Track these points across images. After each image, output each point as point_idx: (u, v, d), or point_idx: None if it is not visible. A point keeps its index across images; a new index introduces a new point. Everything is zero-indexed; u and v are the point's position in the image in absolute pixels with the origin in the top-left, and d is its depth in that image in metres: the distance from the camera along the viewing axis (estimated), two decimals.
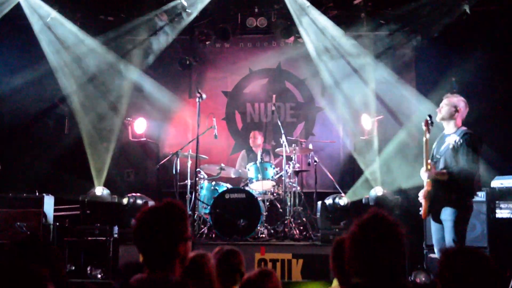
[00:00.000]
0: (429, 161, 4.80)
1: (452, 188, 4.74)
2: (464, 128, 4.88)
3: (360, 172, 8.61)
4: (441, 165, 4.89)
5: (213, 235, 7.17)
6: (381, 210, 2.50)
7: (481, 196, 6.26)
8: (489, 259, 2.33)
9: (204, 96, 6.86)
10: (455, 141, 4.80)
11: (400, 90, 8.88)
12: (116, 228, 6.97)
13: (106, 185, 8.07)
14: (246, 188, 7.60)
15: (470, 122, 5.44)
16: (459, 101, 4.94)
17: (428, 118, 4.78)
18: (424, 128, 4.77)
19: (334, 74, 9.14)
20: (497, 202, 6.33)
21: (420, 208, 4.97)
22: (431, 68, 8.67)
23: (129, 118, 8.79)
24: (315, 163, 8.06)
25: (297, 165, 7.92)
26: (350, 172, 9.08)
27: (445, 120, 4.95)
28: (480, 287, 2.25)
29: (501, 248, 6.09)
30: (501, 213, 6.28)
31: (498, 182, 6.42)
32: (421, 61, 9.03)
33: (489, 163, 6.67)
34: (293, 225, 7.36)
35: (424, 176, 4.76)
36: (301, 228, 7.55)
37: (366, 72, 8.98)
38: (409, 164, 7.77)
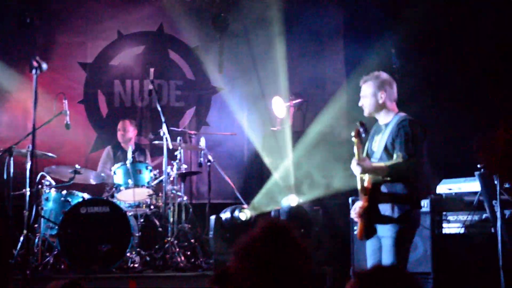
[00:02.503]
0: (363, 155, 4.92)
1: (391, 194, 4.88)
2: (401, 114, 5.06)
3: (270, 175, 8.73)
4: None
5: (62, 266, 7.00)
6: (280, 221, 2.53)
7: (424, 205, 6.53)
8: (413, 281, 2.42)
9: (44, 66, 6.61)
10: (390, 138, 4.95)
11: (324, 65, 9.08)
12: None
13: None
14: (111, 199, 7.52)
15: (413, 109, 5.63)
16: (379, 82, 5.07)
17: (359, 127, 4.88)
18: (354, 140, 4.88)
19: (237, 41, 9.19)
20: (444, 213, 6.61)
21: (355, 227, 5.07)
22: (365, 36, 8.92)
23: None
24: (208, 164, 8.09)
25: (184, 166, 7.93)
26: (257, 176, 9.19)
27: (374, 113, 5.13)
28: None
29: (449, 274, 6.38)
30: (448, 228, 6.57)
31: (445, 187, 6.70)
32: (351, 26, 9.28)
33: (434, 162, 6.98)
34: (177, 249, 7.36)
35: (356, 170, 4.87)
36: (188, 253, 7.57)
37: (279, 40, 9.11)
38: (335, 164, 7.96)
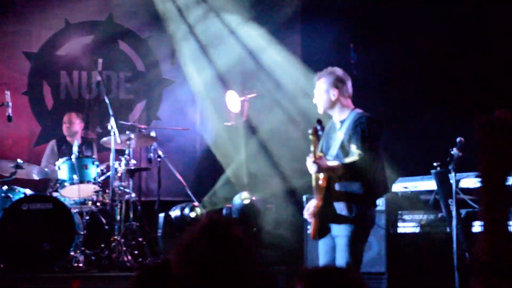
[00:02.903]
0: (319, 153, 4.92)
1: (347, 193, 4.92)
2: (357, 110, 5.09)
3: (222, 172, 8.73)
4: None
5: (2, 265, 6.91)
6: (222, 217, 2.54)
7: (379, 204, 6.57)
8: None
9: None
10: (347, 135, 4.97)
11: (280, 60, 9.09)
12: None
13: None
14: (55, 195, 7.44)
15: (370, 105, 5.66)
16: (331, 78, 5.09)
17: (317, 125, 4.89)
18: (311, 138, 4.87)
19: (190, 32, 9.18)
20: (399, 212, 6.68)
21: (309, 227, 5.11)
22: (322, 30, 8.95)
23: None
24: (159, 159, 8.06)
25: (133, 161, 7.87)
26: (209, 173, 9.18)
27: (328, 111, 5.16)
28: None
29: (404, 274, 6.45)
30: (404, 228, 6.64)
31: (401, 186, 6.76)
32: (309, 17, 9.30)
33: (390, 160, 7.04)
34: (124, 248, 7.31)
35: (312, 169, 4.88)
36: (136, 252, 7.52)
37: (235, 32, 9.11)
38: (289, 162, 7.99)
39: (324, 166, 4.86)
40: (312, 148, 4.85)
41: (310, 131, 4.85)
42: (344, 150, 4.97)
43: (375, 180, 4.99)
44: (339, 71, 5.14)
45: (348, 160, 4.89)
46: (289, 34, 9.31)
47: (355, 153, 4.88)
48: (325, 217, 4.97)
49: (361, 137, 4.89)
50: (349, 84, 5.14)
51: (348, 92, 5.11)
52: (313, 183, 4.97)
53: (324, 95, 5.09)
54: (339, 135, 5.03)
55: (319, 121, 4.90)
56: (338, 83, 5.08)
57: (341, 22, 8.87)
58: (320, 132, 4.89)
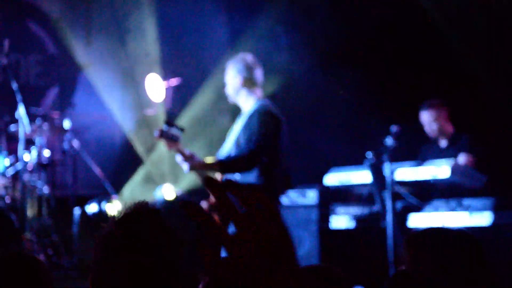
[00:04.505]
0: (187, 151, 4.92)
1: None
2: (261, 101, 5.12)
3: (143, 163, 8.70)
4: None
5: None
6: (145, 203, 2.52)
7: (310, 196, 6.67)
8: None
9: None
10: (243, 127, 5.02)
11: (206, 40, 9.10)
12: None
13: None
14: None
15: (302, 92, 5.72)
16: (238, 66, 5.14)
17: (164, 128, 4.86)
18: (164, 143, 4.87)
19: (106, 12, 9.15)
20: (332, 206, 6.79)
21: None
22: (252, 7, 8.98)
23: None
24: (73, 151, 8.02)
25: (46, 152, 7.79)
26: (129, 164, 9.14)
27: (235, 100, 5.23)
28: None
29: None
30: (337, 222, 6.76)
31: (334, 178, 6.86)
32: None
33: (321, 149, 7.15)
34: (36, 246, 7.21)
35: (184, 168, 4.93)
36: (49, 251, 7.42)
37: (155, 12, 9.08)
38: (216, 150, 8.03)
39: (195, 165, 4.91)
40: (176, 150, 4.86)
41: (156, 134, 4.83)
42: (238, 144, 5.02)
43: (272, 175, 5.03)
44: (248, 57, 5.17)
45: (227, 157, 4.95)
46: (215, 12, 9.31)
47: (240, 149, 4.94)
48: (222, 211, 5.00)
49: (250, 133, 4.94)
50: (258, 72, 5.15)
51: (255, 81, 5.13)
52: (198, 177, 5.08)
53: (229, 83, 5.16)
54: (238, 128, 5.10)
55: (167, 122, 4.88)
56: (244, 70, 5.10)
57: (270, 3, 8.91)
58: (174, 133, 4.83)
